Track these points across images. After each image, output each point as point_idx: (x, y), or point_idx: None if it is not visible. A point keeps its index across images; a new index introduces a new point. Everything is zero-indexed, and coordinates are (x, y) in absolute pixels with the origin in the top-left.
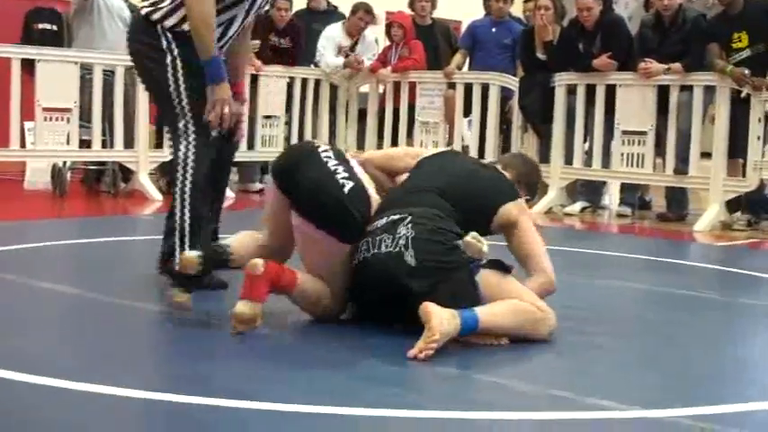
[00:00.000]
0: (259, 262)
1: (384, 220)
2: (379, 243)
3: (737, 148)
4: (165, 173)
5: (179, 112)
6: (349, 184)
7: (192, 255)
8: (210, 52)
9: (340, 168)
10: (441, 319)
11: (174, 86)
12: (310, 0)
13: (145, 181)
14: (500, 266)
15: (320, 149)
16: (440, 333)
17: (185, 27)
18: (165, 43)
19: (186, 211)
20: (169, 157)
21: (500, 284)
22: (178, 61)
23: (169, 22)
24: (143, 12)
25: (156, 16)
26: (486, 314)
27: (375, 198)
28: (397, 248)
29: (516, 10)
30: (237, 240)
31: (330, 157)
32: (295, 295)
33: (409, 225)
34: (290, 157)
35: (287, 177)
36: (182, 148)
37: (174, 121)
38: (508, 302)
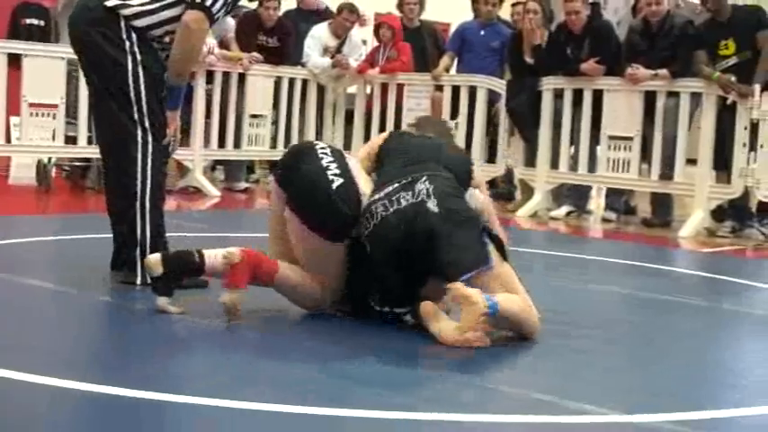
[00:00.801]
0: (235, 251)
1: (395, 185)
2: (398, 200)
3: (723, 157)
4: None
5: (137, 119)
6: (338, 181)
7: (153, 257)
8: (185, 81)
9: (333, 165)
10: (480, 296)
11: (135, 92)
12: (298, 2)
13: None
14: (501, 249)
15: (318, 147)
16: (485, 307)
17: (156, 32)
18: (128, 44)
19: (147, 223)
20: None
21: (510, 275)
22: (140, 68)
23: (140, 23)
24: (107, 3)
25: (125, 12)
26: (503, 305)
27: (367, 195)
28: (419, 198)
29: (504, 13)
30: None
31: (326, 154)
32: (277, 284)
33: (426, 181)
34: (290, 154)
35: (285, 172)
36: (139, 156)
37: (128, 128)
38: (517, 298)
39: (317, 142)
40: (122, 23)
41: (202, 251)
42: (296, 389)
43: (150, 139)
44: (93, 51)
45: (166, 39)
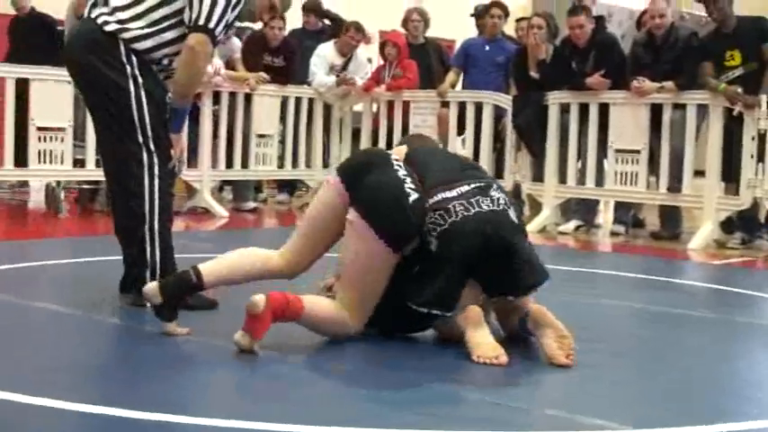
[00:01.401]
0: (260, 301)
1: (466, 187)
2: (477, 203)
3: (731, 167)
4: None
5: (142, 143)
6: (414, 195)
7: (149, 288)
8: (190, 102)
9: (408, 179)
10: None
11: (139, 117)
12: (306, 20)
13: None
14: None
15: (392, 156)
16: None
17: (156, 55)
18: (129, 69)
19: (156, 245)
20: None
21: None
22: (142, 91)
23: (140, 46)
24: (106, 28)
25: (125, 36)
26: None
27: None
28: (500, 207)
29: (509, 29)
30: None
31: (400, 167)
32: (302, 322)
33: (498, 190)
34: (364, 156)
35: (355, 174)
36: (146, 179)
37: (133, 151)
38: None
39: (389, 151)
40: (122, 47)
41: (198, 268)
42: (304, 408)
43: (156, 161)
44: (92, 76)
45: (165, 61)
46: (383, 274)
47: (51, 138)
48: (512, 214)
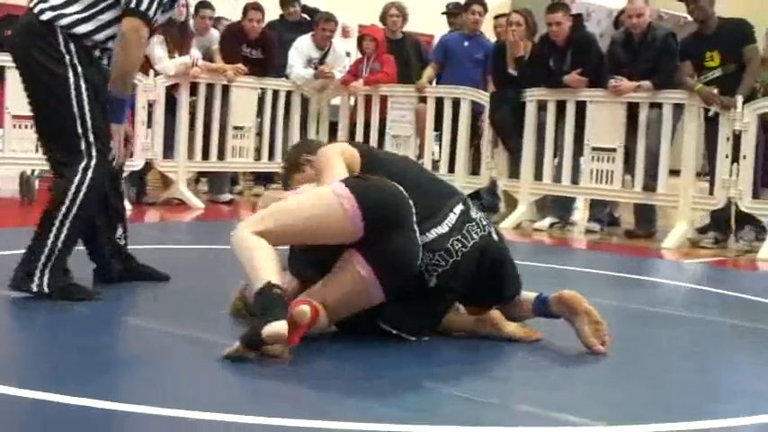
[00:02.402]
0: (307, 311)
1: (453, 216)
2: (469, 234)
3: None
4: (135, 182)
5: (81, 134)
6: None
7: (280, 326)
8: (129, 91)
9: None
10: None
11: (78, 107)
12: (284, 11)
13: None
14: None
15: (413, 210)
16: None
17: (98, 37)
18: (68, 57)
19: (62, 235)
20: (137, 166)
21: None
22: (82, 81)
23: (79, 30)
24: (42, 17)
25: (61, 23)
26: None
27: None
28: (486, 231)
29: (487, 26)
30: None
31: (414, 220)
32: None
33: (474, 209)
34: (393, 204)
35: (380, 222)
36: (79, 171)
37: (74, 143)
38: None
39: (408, 200)
40: (60, 36)
41: (274, 282)
42: (302, 403)
43: (94, 152)
44: (32, 68)
45: (109, 44)
46: (363, 303)
47: (27, 125)
48: (494, 233)
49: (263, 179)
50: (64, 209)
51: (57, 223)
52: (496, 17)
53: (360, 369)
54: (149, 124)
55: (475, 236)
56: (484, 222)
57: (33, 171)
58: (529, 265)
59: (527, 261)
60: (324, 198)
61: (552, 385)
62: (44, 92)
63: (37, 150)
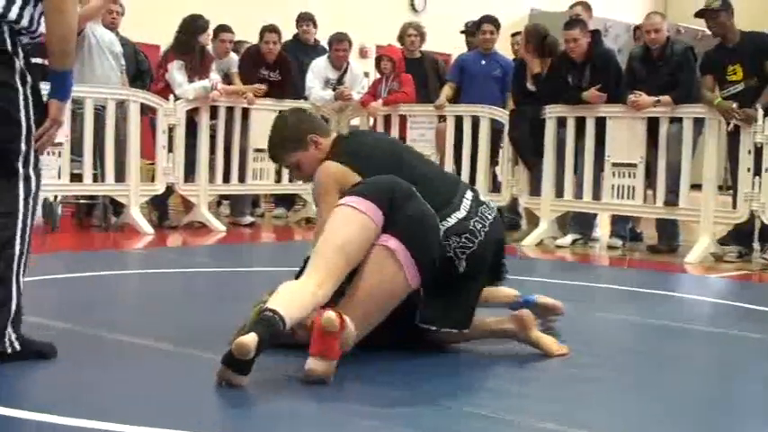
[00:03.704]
0: (334, 317)
1: (467, 202)
2: (484, 215)
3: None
4: (156, 206)
5: (23, 148)
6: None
7: (249, 339)
8: (73, 61)
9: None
10: None
11: (25, 116)
12: (298, 32)
13: (136, 215)
14: None
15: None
16: None
17: (41, 29)
18: (17, 62)
19: (21, 278)
20: (159, 190)
21: None
22: (29, 90)
23: (24, 22)
24: None
25: (10, 16)
26: None
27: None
28: (493, 209)
29: (505, 43)
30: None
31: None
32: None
33: (480, 195)
34: (391, 184)
35: (392, 202)
36: (21, 194)
37: (12, 159)
38: None
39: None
40: (7, 34)
41: (281, 314)
42: (302, 424)
43: (33, 172)
44: None
45: (40, 28)
46: (396, 303)
47: (49, 152)
48: (498, 214)
49: (285, 201)
50: (16, 251)
51: (14, 269)
52: (513, 35)
53: (374, 386)
54: (170, 148)
55: (489, 217)
56: (492, 204)
57: (56, 197)
58: (552, 283)
59: (550, 278)
60: (349, 217)
61: (576, 402)
62: None
63: (60, 177)
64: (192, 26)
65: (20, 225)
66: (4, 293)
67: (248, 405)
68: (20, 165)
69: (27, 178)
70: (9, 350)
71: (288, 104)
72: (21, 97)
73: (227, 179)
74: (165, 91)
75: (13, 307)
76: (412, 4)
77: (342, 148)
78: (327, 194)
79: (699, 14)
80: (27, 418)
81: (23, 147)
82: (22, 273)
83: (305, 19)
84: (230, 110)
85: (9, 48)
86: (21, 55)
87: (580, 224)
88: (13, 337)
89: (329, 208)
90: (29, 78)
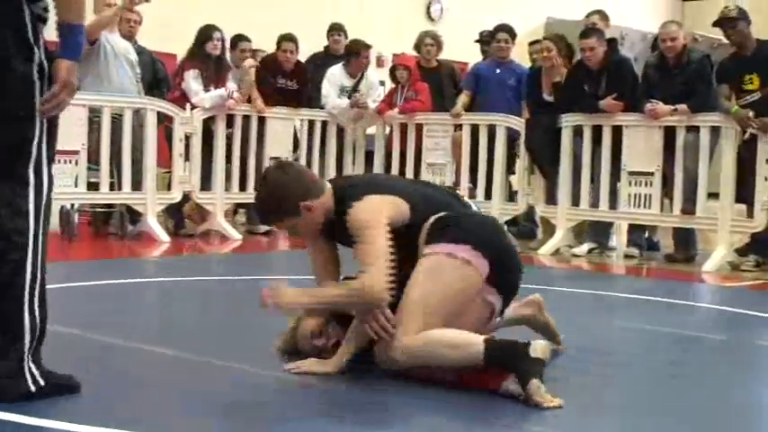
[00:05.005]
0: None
1: (471, 209)
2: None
3: (747, 190)
4: (172, 214)
5: (34, 152)
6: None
7: (545, 344)
8: (83, 13)
9: None
10: None
11: (40, 120)
12: (330, 44)
13: (153, 223)
14: None
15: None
16: None
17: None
18: (37, 53)
19: (35, 305)
20: (175, 199)
21: None
22: (46, 83)
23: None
24: None
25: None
26: None
27: None
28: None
29: (522, 52)
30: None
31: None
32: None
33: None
34: (483, 219)
35: (490, 243)
36: (31, 208)
37: (19, 163)
38: None
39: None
40: (28, 18)
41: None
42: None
43: (46, 176)
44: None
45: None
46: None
47: (65, 161)
48: None
49: None
50: (28, 273)
51: (26, 295)
52: (531, 43)
53: (385, 403)
54: (187, 157)
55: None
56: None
57: (73, 205)
58: (568, 292)
59: (566, 287)
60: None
61: (593, 412)
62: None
63: (76, 185)
64: (199, 35)
65: (31, 245)
66: (14, 331)
67: (282, 419)
68: (30, 171)
69: (38, 188)
70: (33, 387)
71: (304, 114)
72: (37, 93)
73: (243, 187)
74: (182, 99)
75: (27, 341)
76: (428, 14)
77: (353, 187)
78: (376, 228)
79: (716, 23)
80: (57, 428)
81: (35, 151)
82: (36, 299)
83: (336, 29)
84: (247, 118)
85: (30, 37)
86: (41, 42)
87: (596, 233)
88: (37, 373)
89: (381, 239)
90: (46, 69)
